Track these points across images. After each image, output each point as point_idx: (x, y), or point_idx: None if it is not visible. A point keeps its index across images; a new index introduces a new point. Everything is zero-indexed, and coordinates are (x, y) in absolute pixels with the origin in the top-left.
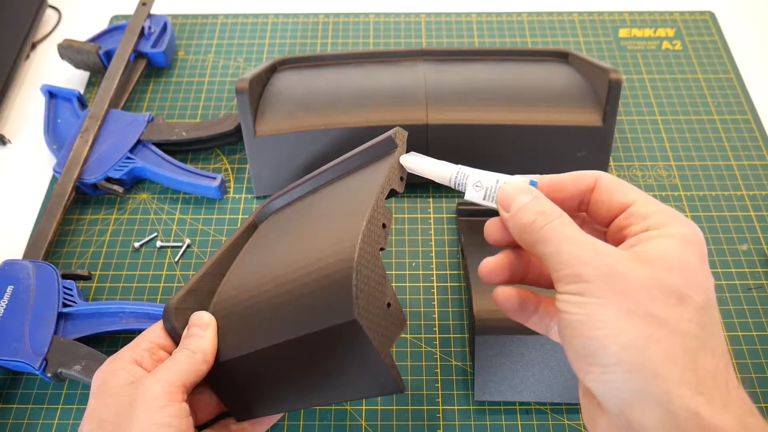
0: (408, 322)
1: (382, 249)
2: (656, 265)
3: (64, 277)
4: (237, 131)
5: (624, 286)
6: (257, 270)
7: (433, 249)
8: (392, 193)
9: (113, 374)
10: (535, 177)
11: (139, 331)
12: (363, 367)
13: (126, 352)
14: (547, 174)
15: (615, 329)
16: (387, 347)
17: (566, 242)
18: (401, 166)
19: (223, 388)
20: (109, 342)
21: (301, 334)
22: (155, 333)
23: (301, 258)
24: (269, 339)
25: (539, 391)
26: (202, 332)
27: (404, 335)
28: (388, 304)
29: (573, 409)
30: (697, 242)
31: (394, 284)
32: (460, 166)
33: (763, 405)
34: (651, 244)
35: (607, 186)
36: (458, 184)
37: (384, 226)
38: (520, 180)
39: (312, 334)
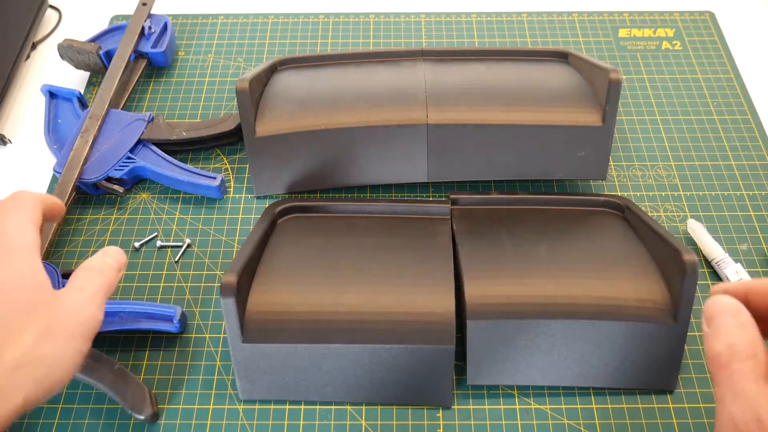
0: None
1: None
2: None
3: (65, 276)
4: (237, 131)
5: None
6: (322, 281)
7: None
8: None
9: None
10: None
11: (139, 331)
12: (433, 382)
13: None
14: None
15: None
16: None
17: (734, 401)
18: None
19: None
20: (110, 342)
21: (400, 345)
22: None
23: (398, 291)
24: (364, 340)
25: (531, 375)
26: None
27: None
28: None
29: (573, 409)
30: None
31: None
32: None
33: None
34: None
35: None
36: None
37: None
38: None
39: (410, 347)
